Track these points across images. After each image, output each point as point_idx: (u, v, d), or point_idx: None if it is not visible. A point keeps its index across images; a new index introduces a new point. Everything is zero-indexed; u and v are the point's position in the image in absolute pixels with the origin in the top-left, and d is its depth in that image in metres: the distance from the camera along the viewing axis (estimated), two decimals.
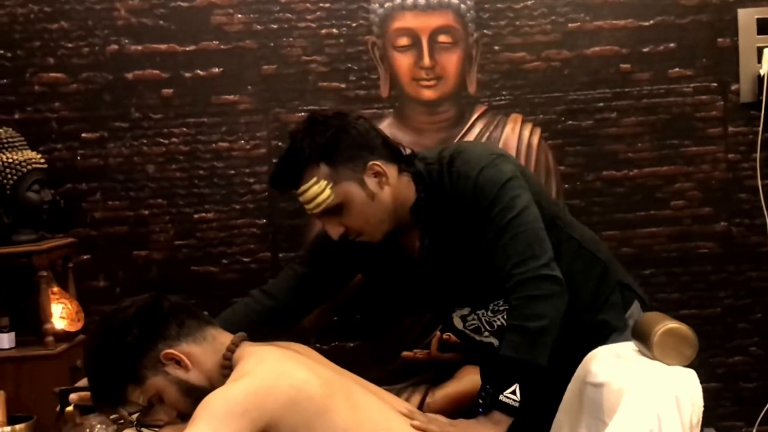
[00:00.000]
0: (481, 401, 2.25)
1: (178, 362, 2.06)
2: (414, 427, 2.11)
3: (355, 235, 2.29)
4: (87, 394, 2.25)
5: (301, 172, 2.23)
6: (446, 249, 2.31)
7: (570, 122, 3.43)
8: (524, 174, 2.34)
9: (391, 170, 2.28)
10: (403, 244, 2.37)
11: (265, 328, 2.33)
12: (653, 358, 2.05)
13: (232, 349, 2.09)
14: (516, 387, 2.13)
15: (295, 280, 2.45)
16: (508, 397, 2.13)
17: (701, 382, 2.00)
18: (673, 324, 2.06)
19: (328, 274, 2.45)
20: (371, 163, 2.25)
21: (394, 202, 2.28)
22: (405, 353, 3.41)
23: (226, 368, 2.06)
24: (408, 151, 2.38)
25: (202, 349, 2.09)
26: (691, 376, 2.01)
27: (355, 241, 2.32)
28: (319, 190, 2.22)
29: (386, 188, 2.26)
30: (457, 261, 2.31)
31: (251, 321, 2.35)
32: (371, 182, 2.25)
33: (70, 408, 2.40)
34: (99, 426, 2.36)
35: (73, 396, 2.32)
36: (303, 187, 2.24)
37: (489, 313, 2.38)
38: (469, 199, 2.25)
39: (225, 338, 2.13)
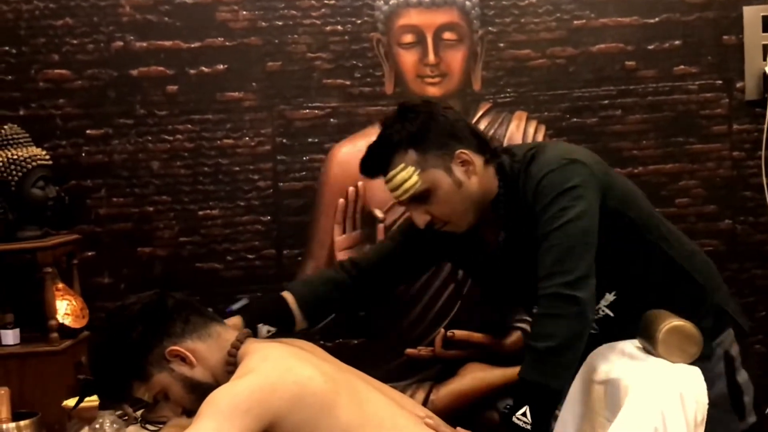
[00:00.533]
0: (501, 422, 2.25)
1: (183, 359, 2.06)
2: (427, 425, 2.11)
3: (440, 224, 2.29)
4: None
5: (390, 158, 2.25)
6: (520, 247, 2.29)
7: (575, 119, 3.43)
8: (608, 182, 2.27)
9: (477, 160, 2.28)
10: (483, 237, 2.36)
11: (337, 297, 2.42)
12: (658, 355, 2.05)
13: (236, 346, 2.09)
14: (526, 409, 2.08)
15: (382, 254, 2.49)
16: (519, 419, 2.09)
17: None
18: (677, 321, 2.06)
19: (412, 255, 2.46)
20: (459, 151, 2.25)
21: (479, 192, 2.28)
22: (409, 350, 3.41)
23: (230, 365, 2.06)
24: (496, 144, 2.37)
25: (206, 345, 2.09)
26: (696, 373, 2.01)
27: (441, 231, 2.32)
28: (406, 176, 2.23)
29: (473, 178, 2.26)
30: (529, 260, 2.27)
31: (330, 285, 2.43)
32: (458, 170, 2.25)
33: (87, 402, 2.41)
34: (109, 422, 2.37)
35: None
36: (391, 173, 2.25)
37: None
38: (531, 202, 2.23)
39: (230, 335, 2.13)
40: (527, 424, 2.08)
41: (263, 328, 2.36)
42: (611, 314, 2.31)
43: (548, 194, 2.18)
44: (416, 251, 2.47)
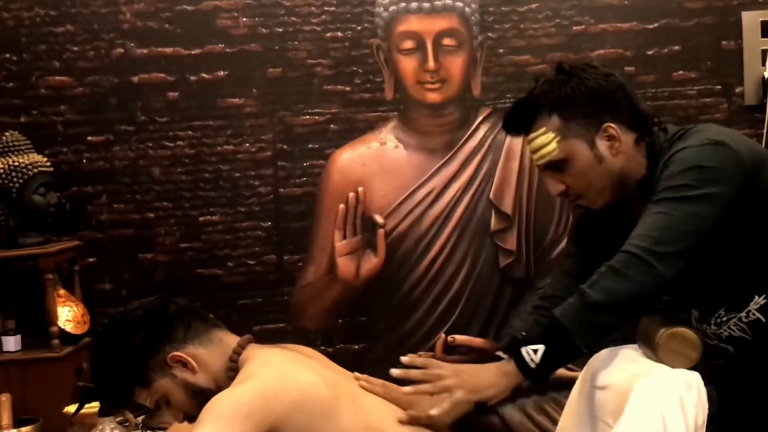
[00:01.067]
0: (507, 345, 2.08)
1: (185, 365, 2.06)
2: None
3: (574, 196, 2.14)
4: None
5: (532, 120, 2.12)
6: None
7: None
8: (756, 173, 1.99)
9: (627, 138, 2.07)
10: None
11: None
12: (658, 360, 2.05)
13: (238, 352, 2.09)
14: (542, 348, 1.94)
15: (572, 273, 2.27)
16: (528, 352, 1.94)
17: (705, 384, 2.01)
18: (677, 327, 2.06)
19: (595, 257, 2.16)
20: (607, 125, 2.06)
21: (621, 172, 2.09)
22: (404, 359, 3.40)
23: (232, 370, 2.06)
24: (656, 122, 2.14)
25: (208, 351, 2.09)
26: (696, 377, 2.01)
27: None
28: (545, 141, 2.09)
29: (619, 156, 2.07)
30: None
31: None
32: (602, 145, 2.07)
33: (88, 408, 2.41)
34: (109, 428, 2.37)
35: None
36: (532, 135, 2.12)
37: (713, 327, 2.15)
38: (658, 176, 2.02)
39: (231, 340, 2.13)
40: (532, 362, 1.94)
41: None
42: (762, 318, 2.07)
43: (678, 166, 1.97)
44: (595, 252, 2.18)
